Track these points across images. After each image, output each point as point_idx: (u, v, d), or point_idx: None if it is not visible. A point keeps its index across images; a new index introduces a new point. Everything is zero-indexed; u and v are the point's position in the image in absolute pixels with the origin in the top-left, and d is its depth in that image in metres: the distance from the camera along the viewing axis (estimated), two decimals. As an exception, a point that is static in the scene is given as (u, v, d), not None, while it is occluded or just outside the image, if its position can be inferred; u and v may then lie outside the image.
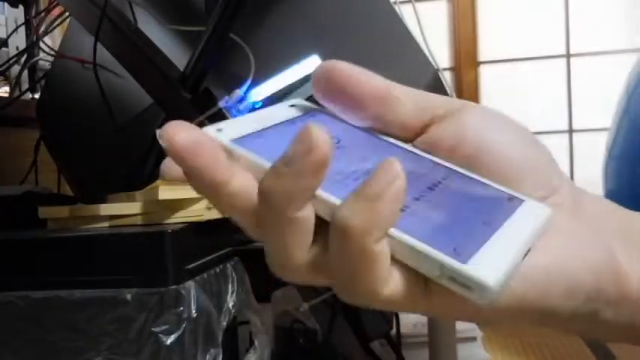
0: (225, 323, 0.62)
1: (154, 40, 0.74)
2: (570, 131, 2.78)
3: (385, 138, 0.28)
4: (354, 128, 0.28)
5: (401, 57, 0.99)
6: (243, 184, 0.24)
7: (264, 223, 0.23)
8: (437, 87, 1.05)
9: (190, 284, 0.56)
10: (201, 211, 0.64)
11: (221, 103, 0.69)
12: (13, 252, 0.59)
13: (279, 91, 0.73)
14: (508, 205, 0.26)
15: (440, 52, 2.47)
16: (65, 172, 1.03)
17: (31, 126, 1.09)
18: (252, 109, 0.69)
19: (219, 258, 0.66)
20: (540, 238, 0.25)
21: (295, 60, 0.76)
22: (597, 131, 2.59)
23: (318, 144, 0.21)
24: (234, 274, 0.66)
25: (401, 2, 1.13)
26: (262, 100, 0.71)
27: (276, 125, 0.28)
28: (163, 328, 0.53)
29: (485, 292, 0.22)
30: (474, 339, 1.35)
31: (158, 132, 0.23)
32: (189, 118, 0.33)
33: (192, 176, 0.23)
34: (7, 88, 1.26)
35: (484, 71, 2.85)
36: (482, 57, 2.85)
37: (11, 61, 1.23)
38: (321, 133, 0.21)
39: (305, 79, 0.74)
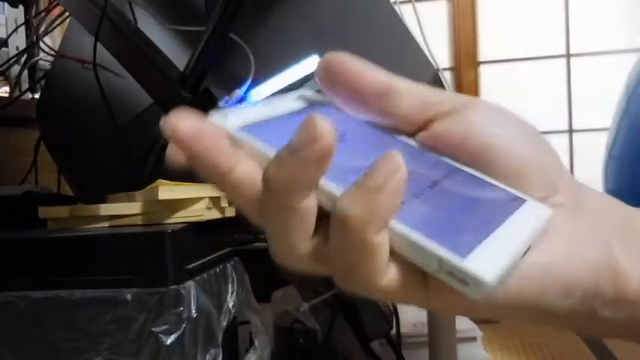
0: (225, 323, 0.62)
1: (154, 40, 0.74)
2: (570, 131, 2.78)
3: (390, 133, 0.28)
4: (360, 123, 0.28)
5: (401, 57, 0.99)
6: (248, 171, 0.24)
7: (267, 212, 0.24)
8: (437, 87, 1.05)
9: (190, 284, 0.56)
10: (201, 211, 0.64)
11: (221, 103, 0.69)
12: (13, 252, 0.59)
13: (279, 91, 0.73)
14: (509, 204, 0.26)
15: (440, 52, 2.48)
16: (65, 172, 1.03)
17: (31, 126, 1.09)
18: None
19: (219, 258, 0.66)
20: (540, 239, 0.25)
21: (295, 60, 0.76)
22: (597, 131, 2.59)
23: (322, 134, 0.21)
24: (234, 274, 0.66)
25: (401, 2, 1.13)
26: (262, 101, 0.70)
27: (282, 116, 0.28)
28: (163, 328, 0.53)
29: (482, 288, 0.22)
30: (474, 339, 1.35)
31: (162, 121, 0.23)
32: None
33: (196, 163, 0.23)
34: (7, 88, 1.26)
35: (484, 71, 2.85)
36: (482, 57, 2.85)
37: (11, 61, 1.23)
38: (325, 123, 0.21)
39: (305, 79, 0.74)
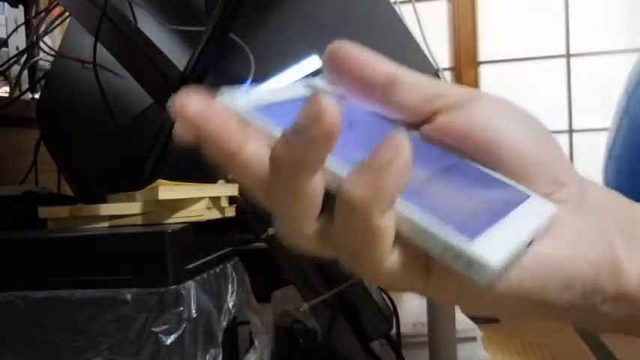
0: (225, 323, 0.62)
1: (154, 40, 0.74)
2: (570, 131, 2.78)
3: (396, 125, 0.28)
4: (366, 113, 0.28)
5: (401, 57, 0.99)
6: (256, 151, 0.24)
7: (274, 191, 0.24)
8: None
9: (190, 284, 0.56)
10: (201, 211, 0.64)
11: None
12: (13, 252, 0.59)
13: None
14: (513, 198, 0.26)
15: (440, 52, 2.48)
16: (65, 172, 1.03)
17: (31, 126, 1.09)
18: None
19: (219, 258, 0.66)
20: (543, 234, 0.25)
21: (295, 60, 0.76)
22: (597, 131, 2.59)
23: (327, 112, 0.21)
24: (234, 274, 0.66)
25: (401, 2, 1.13)
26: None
27: (289, 100, 0.28)
28: (163, 328, 0.53)
29: (487, 272, 0.22)
30: (474, 339, 1.35)
31: (170, 101, 0.23)
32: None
33: (205, 143, 0.23)
34: (7, 88, 1.26)
35: (484, 71, 2.85)
36: (482, 57, 2.85)
37: (11, 61, 1.23)
38: (330, 102, 0.22)
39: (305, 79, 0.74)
